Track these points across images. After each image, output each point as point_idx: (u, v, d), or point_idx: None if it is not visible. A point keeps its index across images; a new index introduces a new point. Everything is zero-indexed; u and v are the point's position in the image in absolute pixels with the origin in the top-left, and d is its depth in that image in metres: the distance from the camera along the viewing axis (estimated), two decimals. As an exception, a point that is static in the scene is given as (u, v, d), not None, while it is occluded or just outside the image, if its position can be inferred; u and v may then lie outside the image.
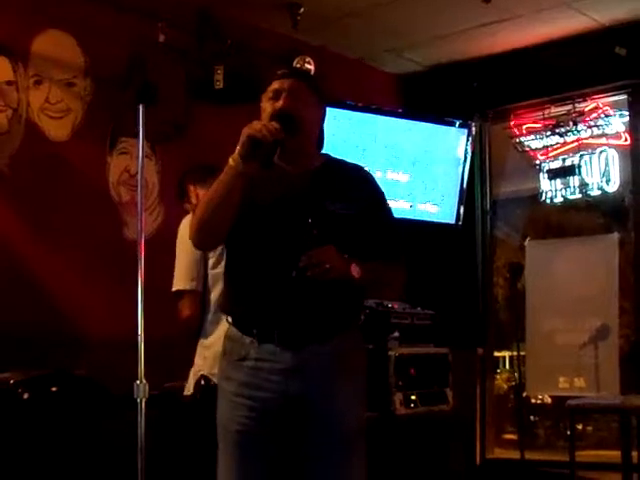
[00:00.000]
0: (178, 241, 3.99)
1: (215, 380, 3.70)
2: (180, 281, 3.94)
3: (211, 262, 3.89)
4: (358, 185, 2.86)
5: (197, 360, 3.85)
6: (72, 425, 3.70)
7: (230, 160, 2.65)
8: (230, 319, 2.81)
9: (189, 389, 3.83)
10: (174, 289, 3.94)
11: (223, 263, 3.67)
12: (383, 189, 2.94)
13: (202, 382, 3.79)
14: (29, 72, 4.76)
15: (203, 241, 2.76)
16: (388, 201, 2.95)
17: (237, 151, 2.64)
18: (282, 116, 2.72)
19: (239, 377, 2.72)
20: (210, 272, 3.88)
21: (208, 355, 3.76)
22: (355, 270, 2.67)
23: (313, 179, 2.78)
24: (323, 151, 2.95)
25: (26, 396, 3.66)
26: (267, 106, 2.80)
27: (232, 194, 2.65)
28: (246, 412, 2.68)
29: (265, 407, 2.67)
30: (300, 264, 2.61)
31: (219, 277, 3.76)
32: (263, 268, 2.71)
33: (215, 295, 3.86)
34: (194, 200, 4.23)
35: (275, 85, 2.82)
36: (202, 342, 3.86)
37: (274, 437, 2.69)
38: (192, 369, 3.92)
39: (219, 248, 3.67)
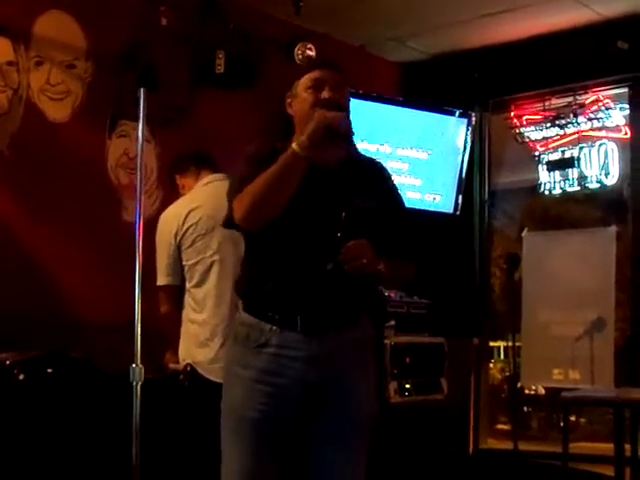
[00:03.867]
0: (157, 238, 4.00)
1: (200, 369, 3.78)
2: (159, 277, 3.97)
3: (184, 257, 3.91)
4: (378, 180, 2.89)
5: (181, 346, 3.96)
6: (67, 406, 3.71)
7: (294, 146, 2.60)
8: (246, 304, 2.78)
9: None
10: (157, 284, 3.98)
11: (197, 258, 3.80)
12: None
13: (188, 368, 3.85)
14: (30, 53, 4.75)
15: (253, 222, 2.65)
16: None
17: (307, 137, 2.59)
18: (335, 107, 2.69)
19: (259, 364, 2.69)
20: (186, 265, 3.93)
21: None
22: (382, 266, 2.68)
23: (341, 173, 2.76)
24: None
25: (22, 377, 3.66)
26: (307, 95, 2.75)
27: (292, 179, 2.60)
28: (265, 399, 2.68)
29: (285, 393, 2.68)
30: (339, 257, 2.61)
31: (194, 271, 3.84)
32: (294, 258, 2.69)
33: (190, 288, 3.91)
34: (181, 190, 4.25)
35: (316, 74, 2.77)
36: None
37: (290, 422, 2.71)
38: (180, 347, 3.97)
39: (192, 244, 3.77)
